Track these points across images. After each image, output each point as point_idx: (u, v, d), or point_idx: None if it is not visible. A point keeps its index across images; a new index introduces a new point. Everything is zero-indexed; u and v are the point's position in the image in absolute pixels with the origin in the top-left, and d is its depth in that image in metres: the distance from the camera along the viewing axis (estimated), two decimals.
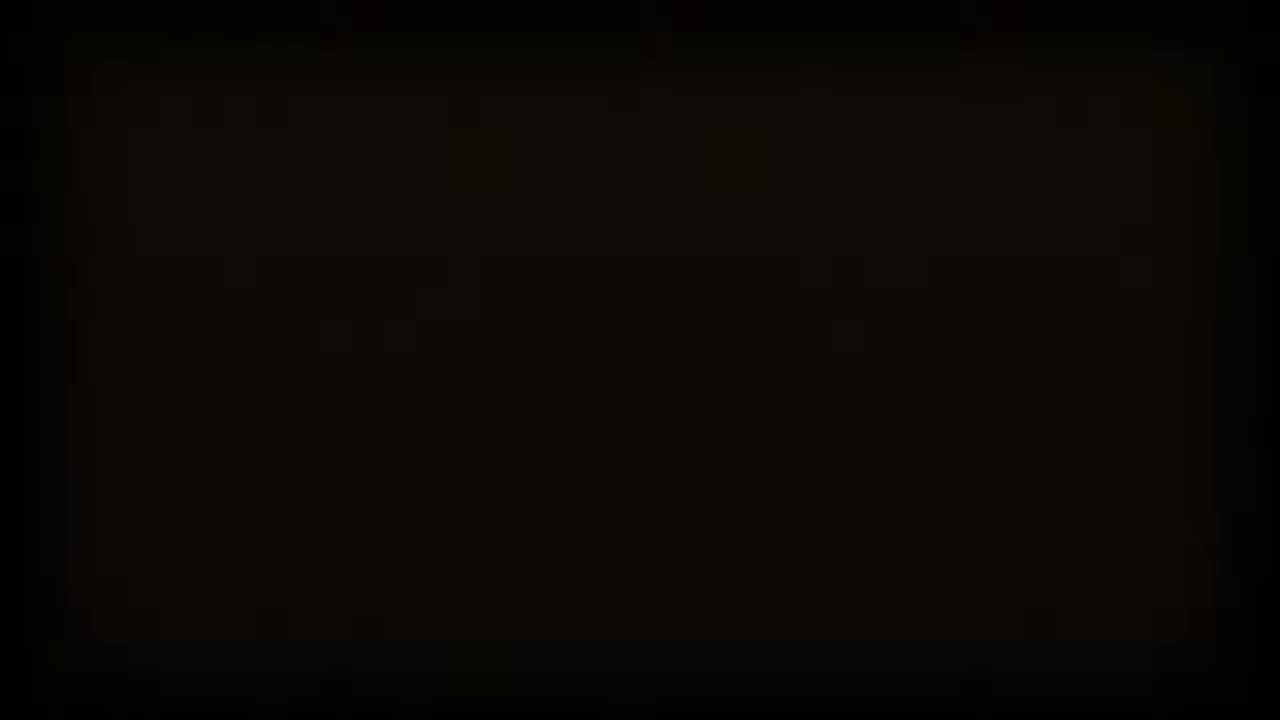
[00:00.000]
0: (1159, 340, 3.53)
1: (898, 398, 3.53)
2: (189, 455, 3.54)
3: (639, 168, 3.57)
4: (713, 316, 3.55)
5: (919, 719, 3.50)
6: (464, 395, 3.55)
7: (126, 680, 3.53)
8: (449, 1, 3.55)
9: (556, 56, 3.55)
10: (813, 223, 3.56)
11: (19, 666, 3.52)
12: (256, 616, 3.53)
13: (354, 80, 3.55)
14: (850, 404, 3.54)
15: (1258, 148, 3.52)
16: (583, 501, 3.55)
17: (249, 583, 3.54)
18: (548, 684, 3.53)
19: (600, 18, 3.54)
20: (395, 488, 3.55)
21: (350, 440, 3.55)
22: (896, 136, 3.55)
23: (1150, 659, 3.50)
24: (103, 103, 3.56)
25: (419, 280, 3.56)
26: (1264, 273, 3.51)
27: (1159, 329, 3.53)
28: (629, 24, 3.54)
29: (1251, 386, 3.50)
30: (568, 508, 3.55)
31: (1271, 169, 3.51)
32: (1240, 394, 3.50)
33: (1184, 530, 3.52)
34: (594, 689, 3.53)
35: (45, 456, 3.53)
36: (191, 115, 3.56)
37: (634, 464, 3.55)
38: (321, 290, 3.56)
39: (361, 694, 3.53)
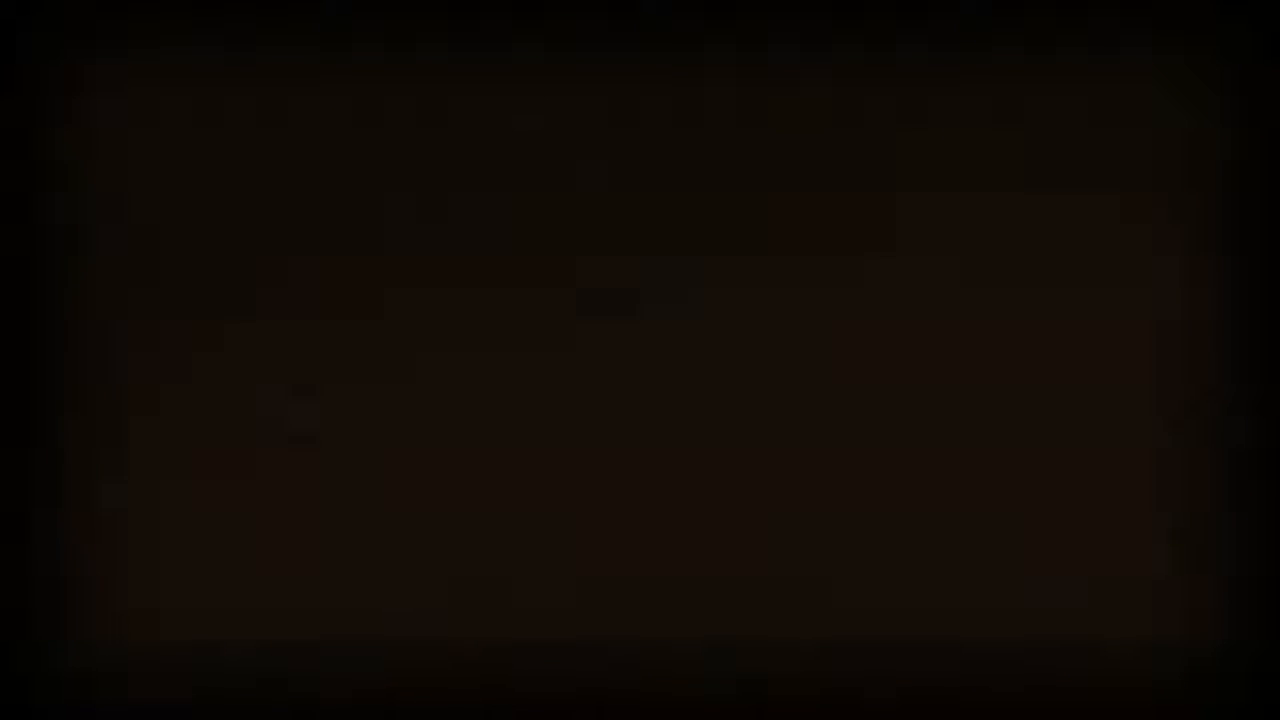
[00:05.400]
0: (1159, 340, 3.53)
1: (898, 398, 3.54)
2: (189, 455, 3.54)
3: (639, 168, 3.57)
4: (713, 316, 3.55)
5: (919, 718, 3.50)
6: (465, 395, 3.56)
7: (127, 680, 3.53)
8: (449, 3, 3.55)
9: (557, 57, 3.55)
10: (812, 223, 3.56)
11: (19, 666, 3.52)
12: (256, 618, 3.54)
13: (354, 80, 3.56)
14: (852, 404, 3.54)
15: (1258, 148, 3.52)
16: (582, 501, 3.56)
17: (249, 583, 3.54)
18: (549, 684, 3.53)
19: (600, 19, 3.55)
20: (396, 488, 3.55)
21: (351, 440, 3.55)
22: (896, 137, 3.56)
23: (1150, 658, 3.50)
24: (103, 103, 3.56)
25: (419, 279, 3.56)
26: (1264, 272, 3.51)
27: (1159, 329, 3.53)
28: (629, 24, 3.55)
29: (1252, 386, 3.51)
30: (568, 507, 3.56)
31: (1271, 168, 3.52)
32: (1240, 394, 3.51)
33: (1184, 530, 3.52)
34: (596, 688, 3.53)
35: (45, 456, 3.53)
36: (191, 115, 3.57)
37: (634, 464, 3.55)
38: (321, 290, 3.56)
39: (361, 694, 3.53)
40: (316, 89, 3.56)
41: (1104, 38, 3.54)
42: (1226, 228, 3.53)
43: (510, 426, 3.56)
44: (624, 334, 3.57)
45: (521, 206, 3.58)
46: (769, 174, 3.57)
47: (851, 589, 3.53)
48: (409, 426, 3.55)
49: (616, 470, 3.55)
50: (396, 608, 3.54)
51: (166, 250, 3.56)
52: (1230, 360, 3.51)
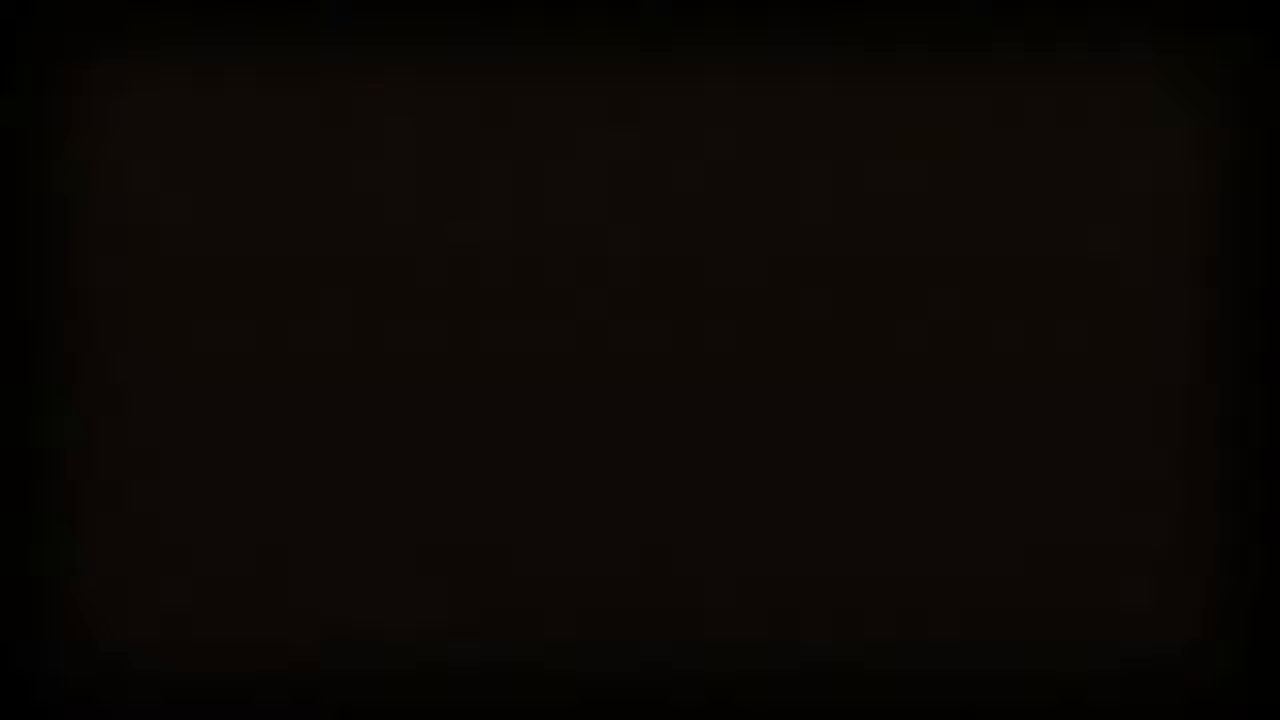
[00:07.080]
0: (1159, 340, 3.53)
1: (898, 397, 3.54)
2: (189, 455, 3.54)
3: (637, 168, 3.57)
4: (713, 316, 3.55)
5: (919, 719, 3.50)
6: (465, 396, 3.55)
7: (126, 680, 3.53)
8: (449, 2, 3.55)
9: (556, 57, 3.55)
10: (813, 223, 3.56)
11: (19, 666, 3.52)
12: (256, 617, 3.54)
13: (354, 80, 3.56)
14: (852, 403, 3.54)
15: (1258, 148, 3.52)
16: (581, 500, 3.55)
17: (248, 583, 3.54)
18: (549, 684, 3.53)
19: (601, 18, 3.55)
20: (396, 488, 3.55)
21: (351, 441, 3.55)
22: (897, 136, 3.56)
23: (1151, 659, 3.50)
24: (103, 103, 3.56)
25: (419, 279, 3.56)
26: (1264, 272, 3.51)
27: (1159, 329, 3.53)
28: (629, 24, 3.55)
29: (1251, 386, 3.50)
30: (567, 507, 3.55)
31: (1271, 169, 3.52)
32: (1240, 394, 3.51)
33: (1184, 530, 3.52)
34: (597, 689, 3.53)
35: (45, 456, 3.53)
36: (191, 115, 3.57)
37: (632, 464, 3.55)
38: (322, 290, 3.56)
39: (360, 694, 3.53)
40: (317, 89, 3.55)
41: (1104, 38, 3.53)
42: (1226, 228, 3.52)
43: (512, 427, 3.56)
44: (628, 334, 3.57)
45: (522, 205, 3.57)
46: (767, 174, 3.56)
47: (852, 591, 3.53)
48: (412, 428, 3.55)
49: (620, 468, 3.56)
50: (398, 607, 3.54)
51: (167, 250, 3.56)
52: (1232, 361, 3.51)
